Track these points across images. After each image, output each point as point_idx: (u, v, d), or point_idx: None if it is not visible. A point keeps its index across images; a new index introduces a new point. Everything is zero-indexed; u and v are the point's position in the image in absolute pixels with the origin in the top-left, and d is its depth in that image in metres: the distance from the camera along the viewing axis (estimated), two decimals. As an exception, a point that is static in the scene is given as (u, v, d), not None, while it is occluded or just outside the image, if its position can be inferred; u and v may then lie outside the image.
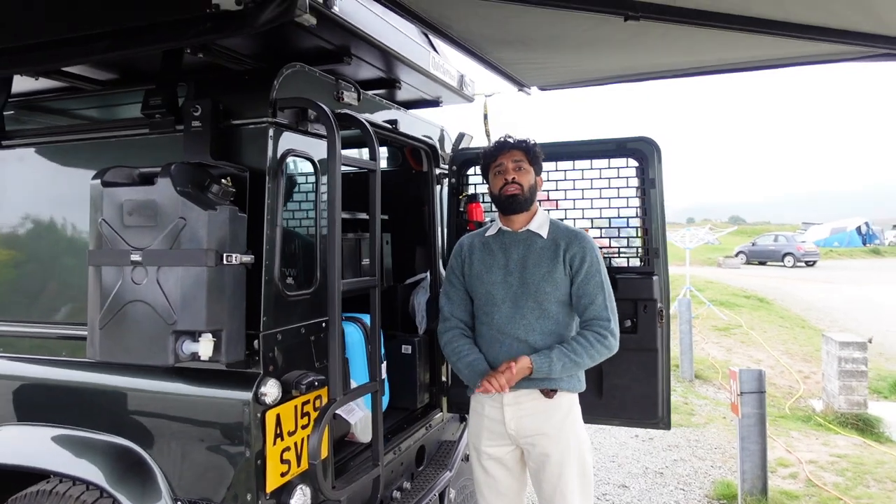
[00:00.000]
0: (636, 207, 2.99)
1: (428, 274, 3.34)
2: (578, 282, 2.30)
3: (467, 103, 3.53)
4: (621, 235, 3.09)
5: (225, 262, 1.76)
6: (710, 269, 25.21)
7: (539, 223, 2.40)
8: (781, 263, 29.63)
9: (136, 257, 1.76)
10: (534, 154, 2.42)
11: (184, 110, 1.97)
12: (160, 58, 2.06)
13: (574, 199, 3.09)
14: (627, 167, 2.98)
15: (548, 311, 2.31)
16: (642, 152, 2.93)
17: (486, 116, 3.67)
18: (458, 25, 2.55)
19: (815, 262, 30.04)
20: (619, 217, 3.04)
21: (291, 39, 2.24)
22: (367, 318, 2.81)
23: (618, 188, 3.00)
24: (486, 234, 2.47)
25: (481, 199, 3.21)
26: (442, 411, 3.31)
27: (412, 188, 3.42)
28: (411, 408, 3.15)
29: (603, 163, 3.02)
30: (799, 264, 29.30)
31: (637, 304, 2.87)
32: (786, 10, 2.34)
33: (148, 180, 1.82)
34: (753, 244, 32.54)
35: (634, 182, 2.97)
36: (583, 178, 3.10)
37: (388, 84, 2.94)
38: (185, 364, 1.79)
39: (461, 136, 3.39)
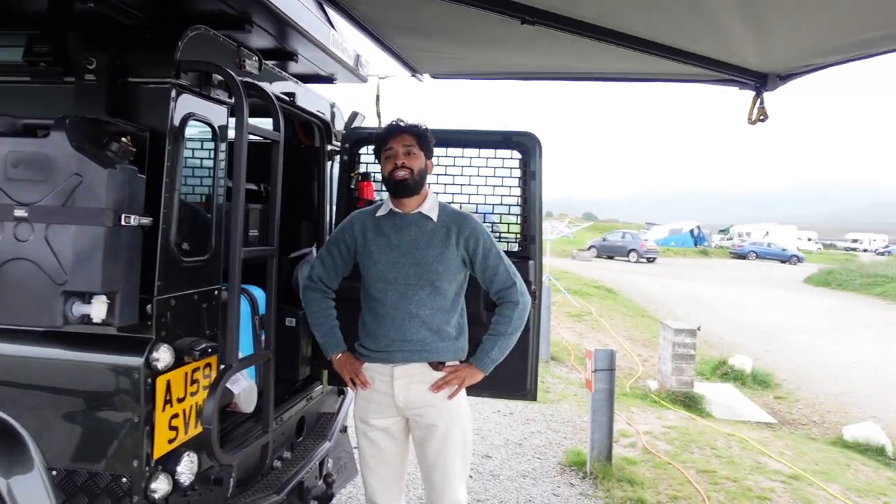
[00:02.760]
0: (517, 196, 3.22)
1: (314, 249, 3.37)
2: (479, 260, 2.46)
3: (361, 83, 3.57)
4: (502, 222, 3.31)
5: (122, 223, 1.71)
6: (565, 260, 27.00)
7: (430, 206, 2.50)
8: (627, 258, 32.38)
9: (20, 213, 1.65)
10: (424, 139, 2.49)
11: (76, 62, 1.86)
12: (46, 1, 1.93)
13: (461, 185, 3.26)
14: (511, 158, 3.20)
15: (439, 289, 2.44)
16: (525, 146, 3.15)
17: (378, 98, 3.73)
18: (363, 7, 2.60)
19: (654, 258, 33.16)
20: (501, 204, 3.25)
21: None
22: (254, 290, 2.83)
23: (501, 178, 3.21)
24: (377, 215, 2.53)
25: (372, 178, 3.28)
26: (322, 384, 3.36)
27: (301, 163, 3.41)
28: (293, 380, 3.17)
29: (489, 153, 3.22)
30: (641, 260, 32.19)
31: None
32: (658, 33, 2.65)
33: (36, 132, 1.72)
34: (604, 239, 35.25)
35: (517, 173, 3.20)
36: (470, 166, 3.27)
37: (285, 55, 2.91)
38: (69, 328, 1.72)
39: (354, 115, 3.43)
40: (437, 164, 3.24)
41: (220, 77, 2.11)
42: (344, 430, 3.56)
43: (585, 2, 2.38)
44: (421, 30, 2.79)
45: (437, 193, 2.73)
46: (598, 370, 4.33)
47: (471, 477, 4.31)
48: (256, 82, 2.19)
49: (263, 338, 2.88)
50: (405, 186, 2.42)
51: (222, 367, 2.04)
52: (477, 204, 3.33)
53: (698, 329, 7.35)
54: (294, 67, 3.08)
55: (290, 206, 3.45)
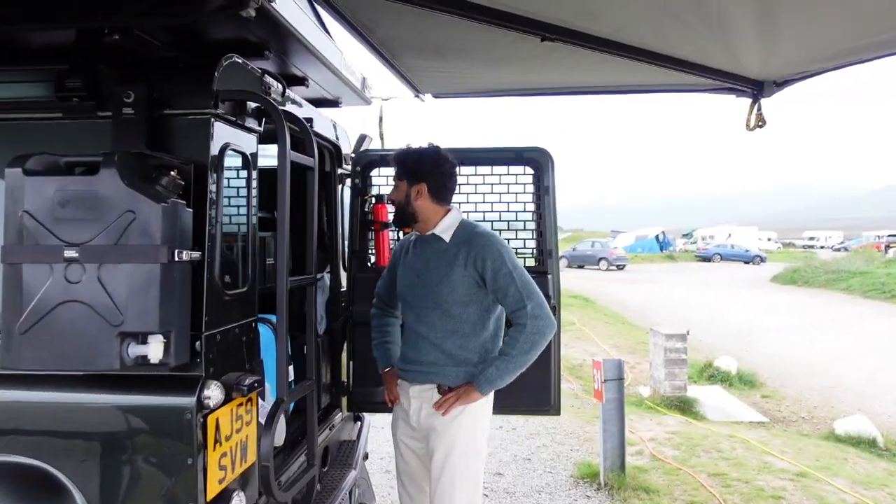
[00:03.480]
0: (532, 212, 3.24)
1: (327, 274, 3.33)
2: (489, 280, 2.37)
3: (365, 105, 3.56)
4: (518, 237, 3.32)
5: (176, 258, 1.66)
6: (539, 271, 27.14)
7: (444, 227, 2.44)
8: (597, 267, 32.78)
9: (71, 253, 1.59)
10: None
11: (111, 95, 1.81)
12: (73, 35, 1.89)
13: (476, 203, 3.27)
14: (524, 174, 3.22)
15: (448, 312, 2.37)
16: (538, 161, 3.18)
17: (381, 119, 3.73)
18: (381, 30, 2.60)
19: (624, 265, 33.65)
20: (516, 220, 3.27)
21: (213, 28, 2.15)
22: (274, 318, 2.78)
23: (515, 193, 3.23)
24: (415, 236, 2.54)
25: (386, 201, 3.27)
26: (342, 412, 3.31)
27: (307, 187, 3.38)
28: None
29: (501, 169, 3.24)
30: (612, 267, 32.62)
31: None
32: (671, 46, 2.72)
33: (84, 170, 1.66)
34: (574, 249, 35.65)
35: (530, 188, 3.22)
36: (483, 183, 3.29)
37: (297, 80, 2.90)
38: (117, 370, 1.66)
39: (363, 138, 3.42)
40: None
41: (252, 105, 2.09)
42: (366, 456, 3.50)
43: (604, 18, 2.42)
44: (435, 49, 2.80)
45: (465, 213, 2.69)
46: (608, 380, 4.35)
47: (486, 496, 4.28)
48: (288, 110, 2.16)
49: (291, 368, 2.84)
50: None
51: (274, 400, 1.99)
52: (492, 221, 3.35)
53: (687, 333, 7.46)
54: (303, 92, 3.06)
55: (303, 233, 3.42)
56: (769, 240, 58.69)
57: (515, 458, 5.04)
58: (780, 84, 3.32)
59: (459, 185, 3.27)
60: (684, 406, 7.06)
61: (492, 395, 2.45)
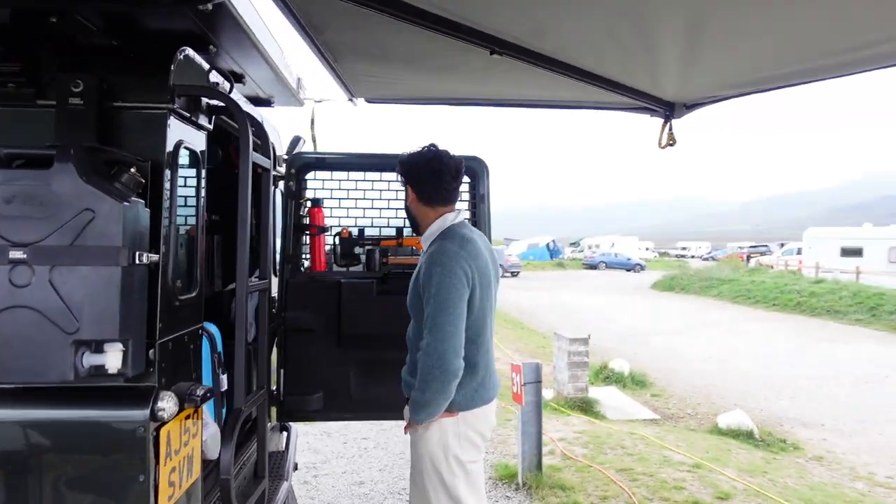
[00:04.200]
0: (467, 219, 3.30)
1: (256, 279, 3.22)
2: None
3: (297, 106, 3.49)
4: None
5: (136, 261, 1.56)
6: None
7: (427, 235, 2.40)
8: (493, 273, 33.56)
9: (17, 254, 1.45)
10: (400, 170, 2.45)
11: (58, 84, 1.67)
12: (8, 16, 1.73)
13: (397, 209, 3.28)
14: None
15: (417, 329, 2.32)
16: (474, 170, 3.25)
17: (312, 122, 3.66)
18: (330, 32, 2.57)
19: (518, 272, 34.76)
20: None
21: (159, 18, 2.03)
22: (209, 326, 2.65)
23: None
24: None
25: (322, 205, 3.21)
26: (272, 421, 3.20)
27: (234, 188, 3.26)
28: (246, 419, 3.00)
29: None
30: (506, 274, 33.56)
31: None
32: (604, 67, 2.89)
33: (23, 163, 1.52)
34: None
35: (465, 196, 3.28)
36: (403, 190, 3.32)
37: (235, 77, 2.79)
38: (70, 382, 1.53)
39: (297, 140, 3.34)
40: (382, 189, 3.27)
41: (204, 101, 2.00)
42: (295, 467, 3.40)
43: (550, 35, 2.53)
44: (383, 55, 2.80)
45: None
46: (527, 383, 4.50)
47: (409, 502, 4.28)
48: (250, 111, 2.09)
49: (224, 377, 2.73)
50: (413, 229, 2.53)
51: (231, 411, 1.91)
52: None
53: (589, 337, 7.85)
54: (237, 89, 2.95)
55: (227, 236, 3.28)
56: (647, 249, 62.83)
57: (434, 462, 5.08)
58: (690, 107, 3.61)
59: (381, 191, 3.30)
60: (586, 406, 7.42)
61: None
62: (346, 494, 4.38)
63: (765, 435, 7.10)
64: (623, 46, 2.57)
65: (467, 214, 2.47)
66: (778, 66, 2.84)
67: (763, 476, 5.16)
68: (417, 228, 2.47)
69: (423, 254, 2.37)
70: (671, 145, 3.76)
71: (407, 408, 2.38)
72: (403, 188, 2.47)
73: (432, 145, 2.41)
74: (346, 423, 6.08)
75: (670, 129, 3.71)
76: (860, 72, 2.69)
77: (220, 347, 2.76)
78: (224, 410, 2.96)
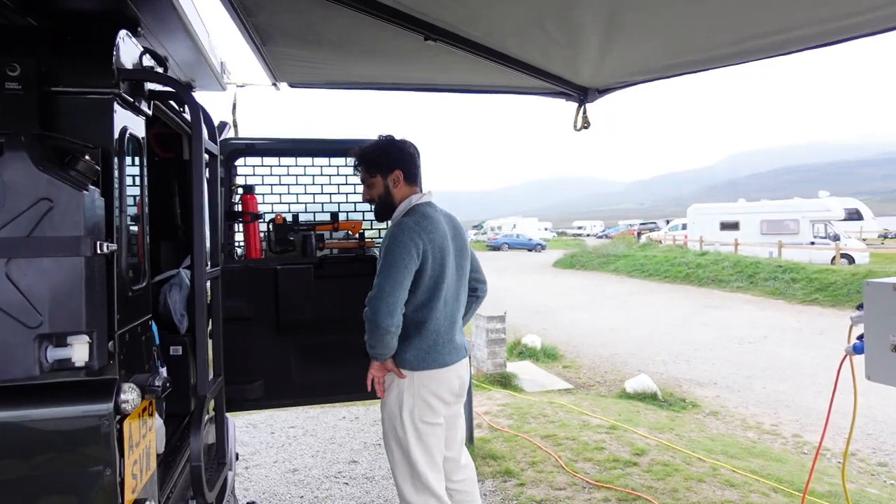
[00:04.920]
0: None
1: (182, 270, 3.14)
2: None
3: (220, 91, 3.39)
4: (374, 227, 3.45)
5: (98, 251, 1.52)
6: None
7: (394, 217, 2.61)
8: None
9: (-30, 248, 1.38)
10: (368, 163, 2.61)
11: (-9, 67, 1.58)
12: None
13: (331, 194, 3.32)
14: None
15: None
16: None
17: (234, 106, 3.57)
18: (263, 15, 2.54)
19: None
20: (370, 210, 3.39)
21: None
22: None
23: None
24: None
25: (254, 191, 3.17)
26: (209, 413, 3.15)
27: (160, 177, 3.14)
28: (185, 412, 2.93)
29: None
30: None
31: None
32: (525, 51, 3.03)
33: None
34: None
35: None
36: (338, 175, 3.35)
37: (158, 60, 2.69)
38: (35, 378, 1.47)
39: (223, 125, 3.25)
40: (315, 175, 3.27)
41: (146, 86, 1.94)
42: (237, 457, 3.35)
43: (481, 22, 2.64)
44: (315, 40, 2.80)
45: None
46: (456, 360, 4.64)
47: (346, 484, 4.34)
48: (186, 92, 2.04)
49: (163, 369, 2.67)
50: (378, 215, 2.72)
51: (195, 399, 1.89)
52: (347, 212, 3.42)
53: (505, 315, 8.14)
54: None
55: (158, 225, 3.16)
56: (546, 229, 65.07)
57: (366, 445, 5.14)
58: (602, 91, 3.86)
59: (328, 175, 3.33)
60: (505, 381, 7.72)
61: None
62: (280, 482, 4.36)
63: (667, 396, 7.70)
64: (547, 34, 2.71)
65: (432, 197, 2.63)
66: (682, 55, 3.10)
67: (670, 432, 5.62)
68: (390, 213, 2.62)
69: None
70: (586, 128, 3.99)
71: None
72: (378, 179, 2.59)
73: (389, 135, 2.63)
74: (271, 412, 6.00)
75: (584, 112, 3.94)
76: (752, 60, 3.00)
77: (157, 340, 2.69)
78: (164, 405, 2.89)
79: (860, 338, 2.50)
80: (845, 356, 2.58)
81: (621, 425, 5.50)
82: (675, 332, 12.17)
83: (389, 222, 2.60)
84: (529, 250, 43.14)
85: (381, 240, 3.47)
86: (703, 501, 3.88)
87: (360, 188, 3.32)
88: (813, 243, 22.05)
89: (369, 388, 2.58)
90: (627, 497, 3.94)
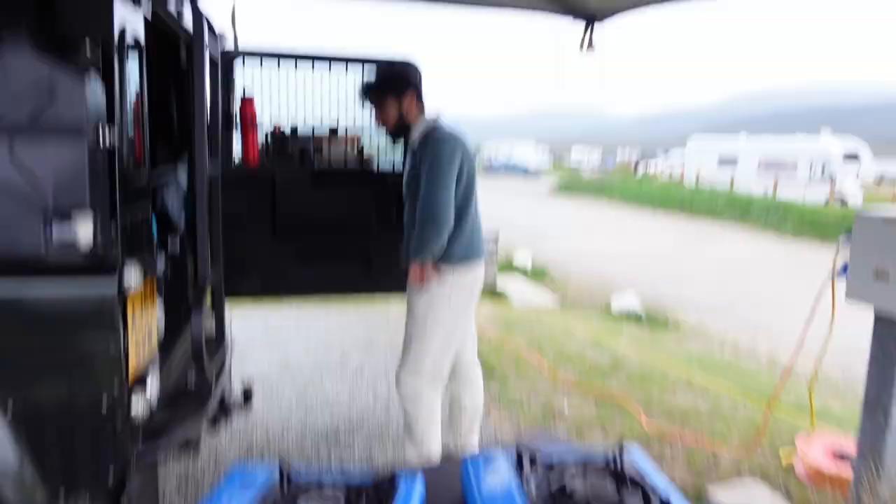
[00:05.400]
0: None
1: (178, 169, 3.15)
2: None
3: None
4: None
5: (100, 134, 1.54)
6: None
7: (419, 134, 2.74)
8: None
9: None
10: (378, 91, 2.74)
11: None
12: None
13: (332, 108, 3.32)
14: None
15: (416, 206, 2.66)
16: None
17: (234, 16, 3.47)
18: None
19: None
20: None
21: None
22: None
23: None
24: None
25: (253, 99, 3.16)
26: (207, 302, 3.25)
27: (159, 78, 3.11)
28: (185, 307, 3.03)
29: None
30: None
31: None
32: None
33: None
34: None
35: None
36: (338, 88, 3.33)
37: None
38: (42, 255, 1.52)
39: (222, 34, 3.18)
40: (315, 86, 3.26)
41: None
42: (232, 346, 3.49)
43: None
44: None
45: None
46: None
47: (337, 376, 4.53)
48: None
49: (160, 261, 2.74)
50: (393, 137, 2.87)
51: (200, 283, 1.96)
52: (346, 127, 3.43)
53: (498, 234, 8.22)
54: None
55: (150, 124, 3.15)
56: (543, 153, 64.26)
57: (356, 342, 5.33)
58: (610, 14, 3.77)
59: (328, 89, 3.31)
60: (495, 296, 7.90)
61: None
62: (274, 373, 4.55)
63: (650, 315, 7.93)
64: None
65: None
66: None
67: (650, 347, 5.83)
68: (405, 133, 2.76)
69: (415, 145, 2.72)
70: (590, 50, 3.92)
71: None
72: (392, 101, 2.71)
73: (394, 58, 2.82)
74: (265, 312, 6.17)
75: (591, 33, 3.87)
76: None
77: (156, 236, 2.75)
78: (163, 297, 2.98)
79: (845, 266, 2.61)
80: (830, 278, 2.69)
81: (604, 339, 5.70)
82: (664, 258, 12.37)
83: (418, 138, 2.71)
84: (526, 176, 42.90)
85: (377, 155, 3.51)
86: (675, 407, 4.09)
87: (359, 103, 3.31)
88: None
89: (418, 282, 2.69)
90: (604, 400, 4.15)
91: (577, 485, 1.17)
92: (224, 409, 2.82)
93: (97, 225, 1.57)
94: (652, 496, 1.10)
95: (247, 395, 2.93)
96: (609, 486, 1.16)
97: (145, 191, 1.99)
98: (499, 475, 1.24)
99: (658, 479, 1.19)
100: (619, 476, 1.20)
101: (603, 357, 5.11)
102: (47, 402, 1.66)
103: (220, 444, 3.43)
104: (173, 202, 3.13)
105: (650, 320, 7.76)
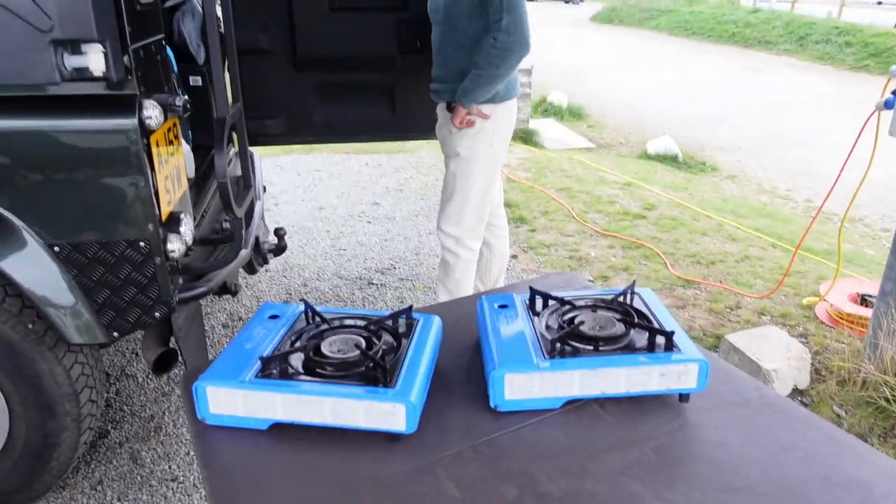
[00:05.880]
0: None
1: None
2: None
3: None
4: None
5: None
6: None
7: None
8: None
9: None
10: None
11: None
12: None
13: None
14: None
15: (454, 27, 2.44)
16: None
17: None
18: None
19: None
20: None
21: None
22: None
23: None
24: None
25: None
26: (234, 147, 3.25)
27: None
28: (210, 144, 3.03)
29: None
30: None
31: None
32: None
33: None
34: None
35: None
36: None
37: None
38: (57, 83, 1.50)
39: None
40: None
41: None
42: (264, 189, 3.55)
43: None
44: None
45: None
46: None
47: (369, 222, 4.63)
48: None
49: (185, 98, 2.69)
50: None
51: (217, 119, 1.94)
52: None
53: (532, 68, 7.82)
54: None
55: None
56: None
57: (388, 189, 5.37)
58: None
59: None
60: (527, 137, 7.73)
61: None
62: (308, 218, 4.67)
63: (687, 158, 7.72)
64: None
65: None
66: None
67: (684, 191, 5.75)
68: None
69: None
70: None
71: (444, 109, 2.69)
72: None
73: None
74: (297, 156, 6.20)
75: None
76: None
77: (175, 68, 2.68)
78: (190, 132, 2.98)
79: (894, 92, 2.40)
80: (874, 111, 2.51)
81: (636, 182, 5.62)
82: (708, 96, 11.75)
83: None
84: (566, 2, 39.88)
85: None
86: (703, 251, 4.11)
87: None
88: (880, 3, 20.03)
89: (460, 127, 2.56)
90: (631, 245, 4.19)
91: (584, 318, 1.23)
92: (260, 254, 2.94)
93: (108, 57, 1.53)
94: (656, 330, 1.16)
95: (280, 241, 3.02)
96: (616, 321, 1.21)
97: (157, 19, 1.92)
98: (511, 311, 1.31)
99: (666, 316, 1.24)
100: (627, 313, 1.25)
101: (634, 201, 5.07)
102: (87, 241, 1.74)
103: (261, 287, 3.62)
104: (191, 32, 3.03)
105: (687, 163, 7.58)
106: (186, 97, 1.88)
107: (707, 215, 4.88)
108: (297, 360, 1.14)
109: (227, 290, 2.46)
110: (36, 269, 1.76)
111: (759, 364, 2.55)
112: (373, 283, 3.68)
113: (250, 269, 2.90)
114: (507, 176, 5.66)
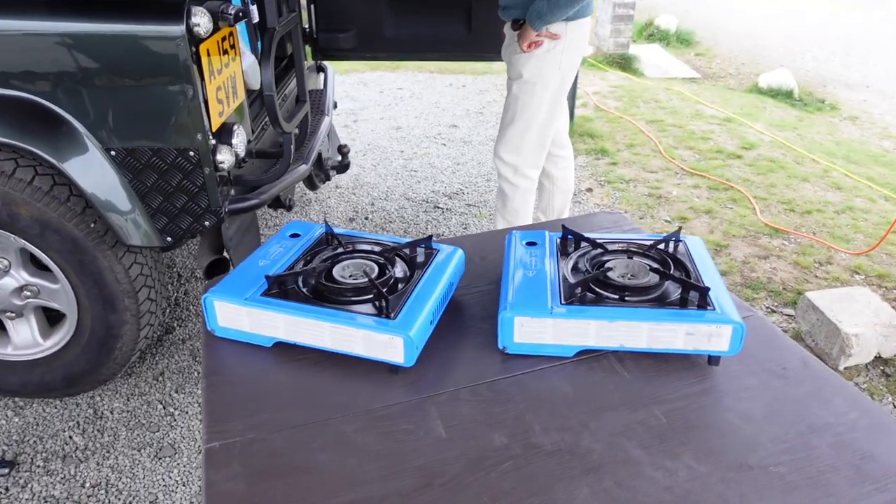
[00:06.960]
0: None
1: None
2: None
3: None
4: None
5: None
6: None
7: None
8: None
9: None
10: None
11: None
12: None
13: None
14: None
15: None
16: None
17: None
18: None
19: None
20: None
21: None
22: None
23: None
24: None
25: None
26: (308, 60, 3.21)
27: None
28: (282, 55, 3.01)
29: None
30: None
31: None
32: None
33: None
34: None
35: None
36: None
37: None
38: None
39: None
40: None
41: None
42: (335, 105, 3.52)
43: None
44: None
45: None
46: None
47: (444, 145, 4.53)
48: None
49: (254, 7, 2.65)
50: None
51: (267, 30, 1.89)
52: None
53: (635, -13, 7.22)
54: None
55: None
56: None
57: (468, 112, 5.22)
58: None
59: None
60: (625, 63, 7.23)
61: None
62: (384, 137, 4.63)
63: (804, 95, 6.98)
64: None
65: None
66: None
67: (793, 131, 5.23)
68: None
69: None
70: None
71: (509, 31, 2.54)
72: None
73: None
74: (381, 73, 6.12)
75: None
76: None
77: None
78: (259, 43, 2.96)
79: None
80: None
81: (738, 118, 5.16)
82: (839, 24, 10.50)
83: None
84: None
85: None
86: (799, 198, 3.75)
87: None
88: None
89: (526, 50, 2.41)
90: (719, 186, 3.88)
91: (615, 264, 1.13)
92: (322, 170, 2.95)
93: None
94: (691, 285, 1.05)
95: (344, 158, 3.01)
96: (650, 270, 1.11)
97: None
98: (538, 249, 1.24)
99: (710, 270, 1.12)
100: (665, 262, 1.14)
101: (731, 139, 4.68)
102: (141, 147, 1.79)
103: (329, 203, 3.67)
104: None
105: (803, 100, 6.86)
106: (239, 6, 1.83)
107: (813, 159, 4.43)
108: (304, 281, 1.12)
109: (280, 203, 2.49)
110: (95, 171, 1.82)
111: (839, 327, 2.33)
112: (439, 207, 3.63)
113: (311, 184, 2.92)
114: (596, 104, 5.35)
